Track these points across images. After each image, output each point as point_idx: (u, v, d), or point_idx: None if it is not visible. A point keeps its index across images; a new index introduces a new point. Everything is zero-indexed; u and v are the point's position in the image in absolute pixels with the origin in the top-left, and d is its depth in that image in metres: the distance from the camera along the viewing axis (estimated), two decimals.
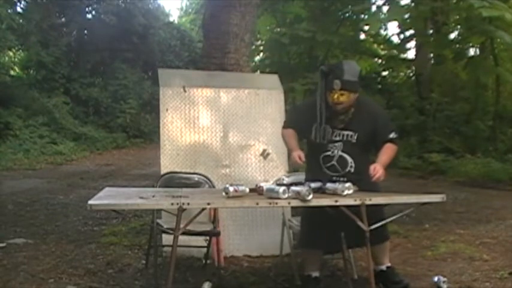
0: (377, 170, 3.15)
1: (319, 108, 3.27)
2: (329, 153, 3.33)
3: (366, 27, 11.32)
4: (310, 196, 2.78)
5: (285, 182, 3.25)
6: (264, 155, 4.53)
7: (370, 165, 3.18)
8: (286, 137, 3.48)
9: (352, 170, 3.32)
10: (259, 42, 13.03)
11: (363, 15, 11.57)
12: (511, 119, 11.51)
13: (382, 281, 3.44)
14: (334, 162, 3.33)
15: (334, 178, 3.30)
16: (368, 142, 3.36)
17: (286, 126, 3.56)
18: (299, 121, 3.46)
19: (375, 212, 3.07)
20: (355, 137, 3.32)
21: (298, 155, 3.28)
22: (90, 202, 2.64)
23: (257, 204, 2.94)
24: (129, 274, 3.81)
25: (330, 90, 3.23)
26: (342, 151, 3.32)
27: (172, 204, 2.72)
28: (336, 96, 3.21)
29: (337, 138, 3.33)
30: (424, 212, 5.46)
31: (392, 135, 3.37)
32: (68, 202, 6.73)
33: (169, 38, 20.01)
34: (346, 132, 3.33)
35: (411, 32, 11.73)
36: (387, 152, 3.32)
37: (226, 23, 5.75)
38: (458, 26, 11.08)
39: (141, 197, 2.87)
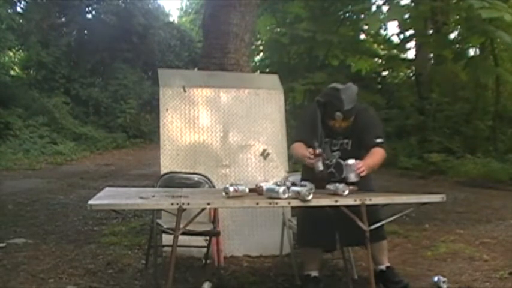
0: (360, 164, 3.18)
1: (319, 133, 3.35)
2: (327, 161, 3.37)
3: (366, 27, 11.33)
4: (310, 196, 2.78)
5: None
6: (264, 155, 4.53)
7: None
8: (296, 150, 3.49)
9: None
10: (259, 42, 13.06)
11: (363, 15, 11.60)
12: (511, 119, 11.51)
13: (382, 281, 3.44)
14: (332, 169, 3.38)
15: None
16: (359, 146, 3.41)
17: (294, 140, 3.59)
18: (307, 133, 3.48)
19: (371, 212, 3.06)
20: (350, 144, 3.43)
21: (309, 151, 3.28)
22: (90, 202, 2.64)
23: (257, 204, 2.93)
24: (129, 274, 3.80)
25: (331, 118, 3.34)
26: (339, 158, 3.37)
27: (172, 204, 2.71)
28: (337, 124, 3.35)
29: (335, 148, 3.43)
30: (424, 212, 5.46)
31: (378, 140, 3.39)
32: (68, 202, 6.73)
33: (169, 38, 20.01)
34: (342, 141, 3.43)
35: (411, 32, 11.75)
36: (374, 155, 3.35)
37: (226, 23, 5.75)
38: (458, 26, 11.10)
39: (141, 197, 2.87)
